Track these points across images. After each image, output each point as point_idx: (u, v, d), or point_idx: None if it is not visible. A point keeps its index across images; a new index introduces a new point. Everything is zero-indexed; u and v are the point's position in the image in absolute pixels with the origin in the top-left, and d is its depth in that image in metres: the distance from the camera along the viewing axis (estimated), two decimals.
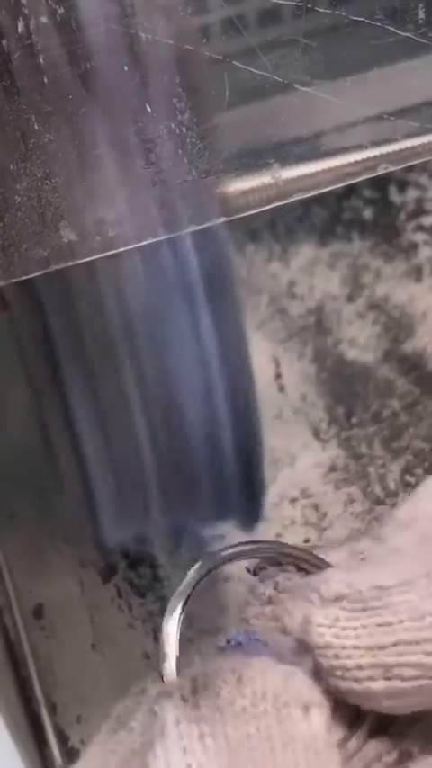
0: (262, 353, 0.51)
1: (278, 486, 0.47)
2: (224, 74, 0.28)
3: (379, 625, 0.27)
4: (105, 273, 0.32)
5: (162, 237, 0.28)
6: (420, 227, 0.55)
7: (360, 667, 0.27)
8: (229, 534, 0.44)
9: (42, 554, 0.45)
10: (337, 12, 0.28)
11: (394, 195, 0.56)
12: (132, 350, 0.34)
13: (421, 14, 0.29)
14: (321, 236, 0.55)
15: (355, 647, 0.28)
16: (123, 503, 0.38)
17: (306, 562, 0.34)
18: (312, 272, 0.54)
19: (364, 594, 0.28)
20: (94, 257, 0.28)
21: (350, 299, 0.53)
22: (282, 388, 0.50)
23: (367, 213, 0.56)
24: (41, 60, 0.26)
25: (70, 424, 0.35)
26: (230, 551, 0.34)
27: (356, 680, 0.28)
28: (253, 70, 0.28)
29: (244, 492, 0.39)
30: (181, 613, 0.32)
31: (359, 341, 0.51)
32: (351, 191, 0.56)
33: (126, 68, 0.27)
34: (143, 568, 0.45)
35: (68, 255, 0.28)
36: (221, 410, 0.36)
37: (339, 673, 0.28)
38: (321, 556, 0.33)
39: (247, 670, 0.29)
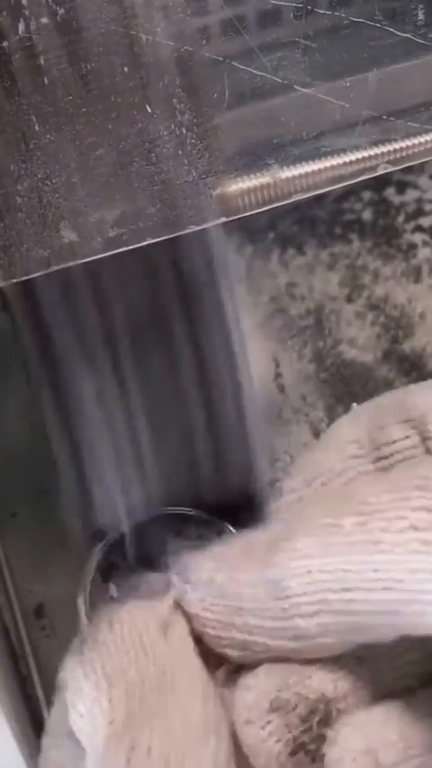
0: (262, 353, 0.51)
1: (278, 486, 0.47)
2: (224, 75, 0.28)
3: (233, 610, 0.33)
4: (106, 274, 0.32)
5: (162, 238, 0.28)
6: (419, 228, 0.55)
7: (220, 638, 0.33)
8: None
9: (43, 554, 0.45)
10: (336, 13, 0.28)
11: (393, 196, 0.56)
12: (132, 350, 0.34)
13: (420, 15, 0.29)
14: (321, 236, 0.55)
15: (218, 621, 0.33)
16: (123, 502, 0.38)
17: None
18: (312, 273, 0.54)
19: (224, 585, 0.33)
20: (94, 257, 0.28)
21: (349, 299, 0.53)
22: (282, 388, 0.50)
23: (366, 214, 0.56)
24: (42, 61, 0.26)
25: (70, 424, 0.35)
26: None
27: (217, 645, 0.33)
28: (253, 71, 0.28)
29: (242, 491, 0.39)
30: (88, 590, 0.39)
31: (359, 341, 0.52)
32: (350, 191, 0.56)
33: (126, 69, 0.27)
34: (142, 567, 0.45)
35: (69, 256, 0.28)
36: (220, 410, 0.36)
37: (205, 638, 0.34)
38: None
39: (116, 615, 0.35)
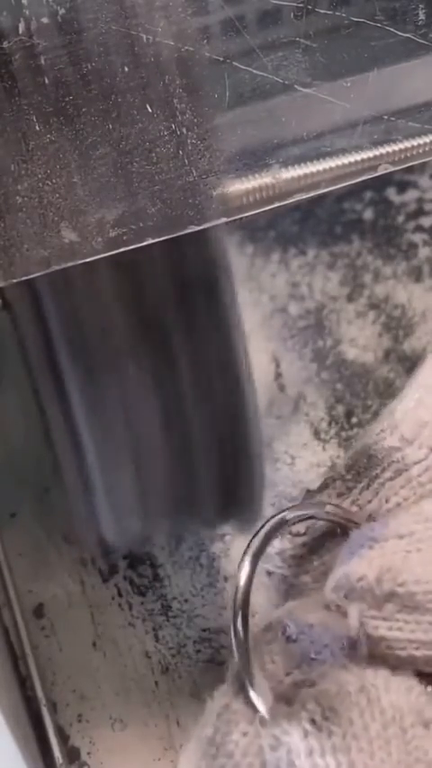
0: (262, 353, 0.51)
1: (278, 486, 0.47)
2: (224, 74, 0.28)
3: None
4: (106, 274, 0.32)
5: (162, 238, 0.28)
6: (420, 228, 0.55)
7: (414, 658, 0.29)
8: (229, 533, 0.44)
9: (43, 553, 0.45)
10: (337, 13, 0.28)
11: (394, 196, 0.56)
12: (132, 350, 0.34)
13: (421, 15, 0.29)
14: (321, 236, 0.55)
15: (410, 641, 0.29)
16: (123, 502, 0.38)
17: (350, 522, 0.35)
18: (312, 273, 0.54)
19: (418, 598, 0.29)
20: (94, 257, 0.28)
21: (350, 299, 0.53)
22: (282, 388, 0.50)
23: (367, 214, 0.56)
24: (42, 61, 0.26)
25: (71, 424, 0.35)
26: (297, 512, 0.36)
27: (408, 665, 0.29)
28: (253, 71, 0.28)
29: (242, 492, 0.39)
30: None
31: (359, 341, 0.52)
32: (351, 191, 0.56)
33: (126, 69, 0.27)
34: (143, 567, 0.45)
35: (69, 256, 0.28)
36: (220, 409, 0.36)
37: (393, 661, 0.29)
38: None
39: (373, 688, 0.28)
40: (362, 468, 0.37)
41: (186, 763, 0.29)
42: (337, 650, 0.30)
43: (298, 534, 0.36)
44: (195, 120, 0.27)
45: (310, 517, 0.36)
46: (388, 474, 0.36)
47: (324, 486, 0.37)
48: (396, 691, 0.29)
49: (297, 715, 0.28)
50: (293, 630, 0.32)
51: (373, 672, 0.29)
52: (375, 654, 0.30)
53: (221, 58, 0.28)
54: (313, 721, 0.27)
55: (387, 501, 0.35)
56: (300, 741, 0.27)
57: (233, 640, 0.31)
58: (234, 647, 0.31)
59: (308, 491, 0.39)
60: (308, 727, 0.27)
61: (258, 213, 0.29)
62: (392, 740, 0.27)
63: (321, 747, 0.27)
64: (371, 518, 0.35)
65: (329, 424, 0.49)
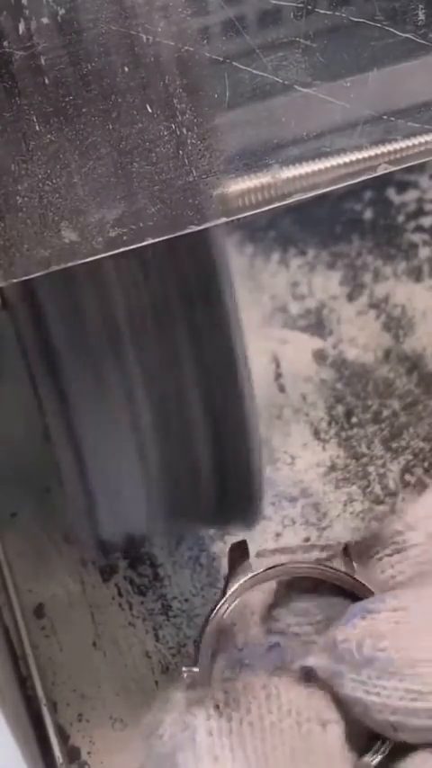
0: (262, 353, 0.51)
1: (278, 486, 0.47)
2: (224, 75, 0.28)
3: (408, 691, 0.31)
4: (106, 274, 0.32)
5: (163, 237, 0.28)
6: (420, 228, 0.55)
7: (389, 723, 0.31)
8: (229, 533, 0.44)
9: (43, 553, 0.46)
10: (337, 13, 0.28)
11: (394, 196, 0.56)
12: (132, 350, 0.34)
13: (421, 15, 0.29)
14: (321, 236, 0.55)
15: (385, 705, 0.31)
16: (123, 502, 0.38)
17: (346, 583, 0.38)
18: (312, 272, 0.54)
19: (396, 663, 0.31)
20: (94, 258, 0.28)
21: (350, 298, 0.53)
22: (282, 388, 0.50)
23: (367, 214, 0.56)
24: (42, 61, 0.26)
25: (71, 424, 0.35)
26: (273, 570, 0.38)
27: (383, 729, 0.31)
28: (253, 71, 0.28)
29: (242, 492, 0.39)
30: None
31: (359, 341, 0.52)
32: (351, 191, 0.56)
33: (126, 69, 0.27)
34: (143, 567, 0.45)
35: (69, 256, 0.28)
36: (219, 409, 0.36)
37: (368, 722, 0.31)
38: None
39: (274, 688, 0.32)
40: (366, 547, 0.39)
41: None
42: (270, 667, 0.34)
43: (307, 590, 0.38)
44: (195, 120, 0.27)
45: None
46: (387, 551, 0.38)
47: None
48: (297, 692, 0.32)
49: (205, 702, 0.32)
50: (241, 642, 0.36)
51: (278, 678, 0.33)
52: (351, 715, 0.32)
53: (221, 58, 0.28)
54: (217, 707, 0.32)
55: (383, 572, 0.37)
56: (203, 722, 0.31)
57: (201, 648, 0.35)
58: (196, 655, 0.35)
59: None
60: (211, 711, 0.32)
61: (258, 213, 0.29)
62: (287, 730, 0.31)
63: (220, 729, 0.31)
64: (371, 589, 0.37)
65: (329, 424, 0.49)
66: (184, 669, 0.35)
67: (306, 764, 0.31)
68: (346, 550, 0.38)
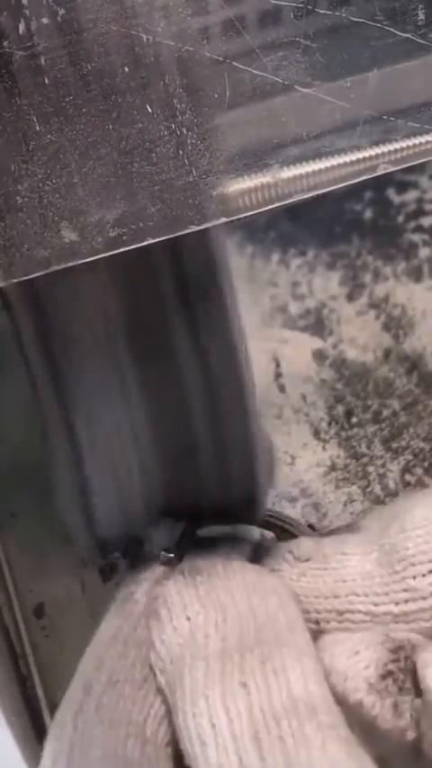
0: (262, 353, 0.51)
1: (278, 486, 0.47)
2: (225, 75, 0.28)
3: (336, 581, 0.34)
4: (106, 274, 0.32)
5: (163, 237, 0.28)
6: (420, 228, 0.55)
7: (317, 611, 0.34)
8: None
9: (43, 554, 0.45)
10: (336, 13, 0.28)
11: (394, 196, 0.56)
12: (132, 350, 0.34)
13: (421, 15, 0.29)
14: (321, 236, 0.55)
15: (316, 596, 0.34)
16: (123, 502, 0.38)
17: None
18: (312, 273, 0.54)
19: (327, 557, 0.35)
20: (94, 257, 0.28)
21: (350, 298, 0.53)
22: (282, 388, 0.50)
23: (367, 214, 0.56)
24: (42, 61, 0.26)
25: (70, 424, 0.35)
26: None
27: (315, 622, 0.34)
28: (253, 71, 0.28)
29: (243, 492, 0.39)
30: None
31: (359, 341, 0.52)
32: (351, 191, 0.56)
33: (126, 69, 0.27)
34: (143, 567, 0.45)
35: (69, 256, 0.28)
36: (221, 409, 0.36)
37: (304, 615, 0.34)
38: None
39: (229, 564, 0.36)
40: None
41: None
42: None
43: None
44: (195, 120, 0.27)
45: None
46: None
47: None
48: (260, 572, 0.36)
49: (174, 573, 0.36)
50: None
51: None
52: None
53: (221, 58, 0.28)
54: (183, 574, 0.36)
55: None
56: (172, 586, 0.35)
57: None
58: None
59: None
60: (179, 577, 0.36)
61: (258, 213, 0.29)
62: (243, 580, 0.34)
63: (186, 584, 0.35)
64: None
65: (329, 423, 0.49)
66: (162, 553, 0.38)
67: (262, 598, 0.34)
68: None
